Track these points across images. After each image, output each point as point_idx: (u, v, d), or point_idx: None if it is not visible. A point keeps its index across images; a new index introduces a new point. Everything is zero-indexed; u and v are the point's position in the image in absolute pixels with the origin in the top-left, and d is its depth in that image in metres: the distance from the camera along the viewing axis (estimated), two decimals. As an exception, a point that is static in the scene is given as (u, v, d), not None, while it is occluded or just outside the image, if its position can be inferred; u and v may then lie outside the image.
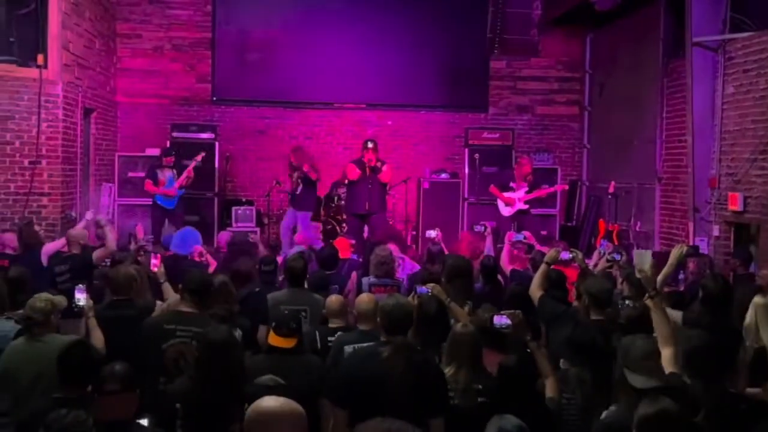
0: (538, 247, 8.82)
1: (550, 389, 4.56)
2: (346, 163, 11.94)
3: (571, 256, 6.43)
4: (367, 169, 11.33)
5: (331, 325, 5.91)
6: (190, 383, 4.30)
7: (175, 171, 11.99)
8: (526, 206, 11.86)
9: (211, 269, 8.16)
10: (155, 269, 6.60)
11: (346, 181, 11.92)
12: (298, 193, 12.02)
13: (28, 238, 8.45)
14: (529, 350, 4.74)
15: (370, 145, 11.52)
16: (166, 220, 11.76)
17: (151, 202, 12.31)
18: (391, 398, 4.06)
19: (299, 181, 11.91)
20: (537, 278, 6.17)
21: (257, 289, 7.08)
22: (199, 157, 12.19)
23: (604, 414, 3.93)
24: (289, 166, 12.32)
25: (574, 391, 4.50)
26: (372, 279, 7.35)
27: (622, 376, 3.82)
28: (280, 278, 7.40)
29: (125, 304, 5.84)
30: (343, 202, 12.71)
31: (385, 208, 12.04)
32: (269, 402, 3.26)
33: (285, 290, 6.72)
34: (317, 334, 5.78)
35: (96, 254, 7.87)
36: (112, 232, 8.34)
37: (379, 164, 11.50)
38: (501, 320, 4.85)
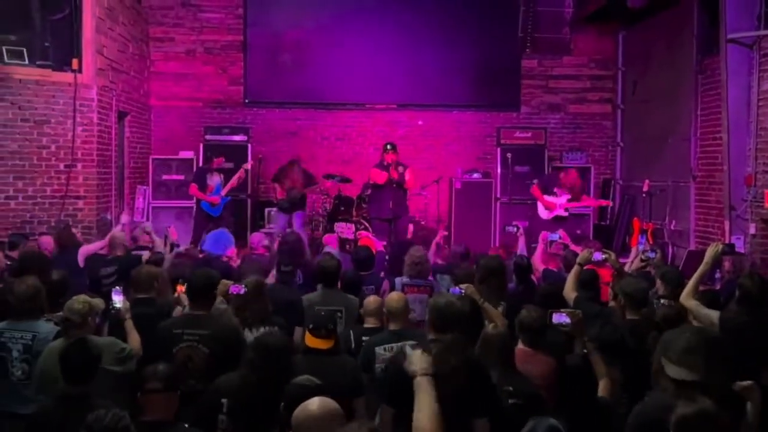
0: (572, 246, 8.78)
1: (602, 390, 4.52)
2: (370, 168, 12.00)
3: (604, 257, 6.39)
4: (392, 170, 11.43)
5: (366, 326, 5.94)
6: (240, 382, 4.33)
7: (223, 176, 12.08)
8: (566, 213, 11.78)
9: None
10: None
11: (371, 184, 12.00)
12: (298, 200, 12.22)
13: (66, 240, 8.56)
14: (585, 350, 4.70)
15: (389, 147, 11.67)
16: (210, 226, 11.75)
17: (187, 206, 12.68)
18: (437, 396, 4.05)
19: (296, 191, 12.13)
20: (571, 279, 6.15)
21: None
22: (248, 165, 12.33)
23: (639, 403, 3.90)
24: (284, 176, 12.38)
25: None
26: (405, 279, 7.40)
27: (660, 367, 3.75)
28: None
29: (146, 302, 5.94)
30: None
31: (407, 212, 12.16)
32: (314, 404, 3.28)
33: (319, 291, 6.75)
34: (352, 334, 5.82)
35: (145, 256, 7.95)
36: (159, 238, 8.47)
37: (401, 168, 11.63)
38: (560, 318, 4.83)
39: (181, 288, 5.72)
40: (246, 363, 4.40)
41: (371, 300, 6.07)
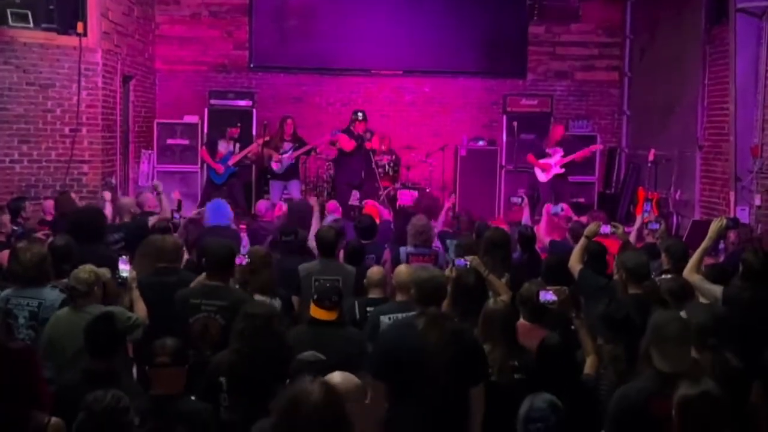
0: (575, 218, 8.80)
1: (589, 367, 4.57)
2: (338, 135, 12.08)
3: (612, 230, 6.38)
4: (366, 143, 11.98)
5: (370, 296, 5.96)
6: (234, 357, 4.36)
7: (238, 145, 12.08)
8: (563, 170, 11.94)
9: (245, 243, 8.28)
10: None
11: (338, 149, 12.17)
12: (293, 162, 12.18)
13: (65, 206, 8.55)
14: (573, 327, 4.74)
15: (360, 116, 12.00)
16: (213, 192, 11.75)
17: (191, 170, 13.06)
18: (428, 369, 4.11)
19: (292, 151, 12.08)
20: (576, 251, 6.15)
21: (277, 257, 7.08)
22: (261, 140, 12.27)
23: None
24: (277, 138, 12.24)
25: (606, 367, 4.50)
26: (409, 248, 7.42)
27: (648, 352, 3.83)
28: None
29: (169, 271, 5.95)
30: (380, 170, 12.69)
31: (376, 178, 12.39)
32: (336, 378, 3.29)
33: (317, 261, 6.73)
34: (356, 304, 5.84)
35: (151, 221, 7.95)
36: (166, 199, 8.45)
37: (368, 135, 12.02)
38: (546, 296, 4.86)
39: None
40: (236, 334, 4.42)
41: (375, 271, 6.10)
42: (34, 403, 3.83)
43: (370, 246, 7.58)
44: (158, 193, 8.54)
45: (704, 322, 4.22)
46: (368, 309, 5.73)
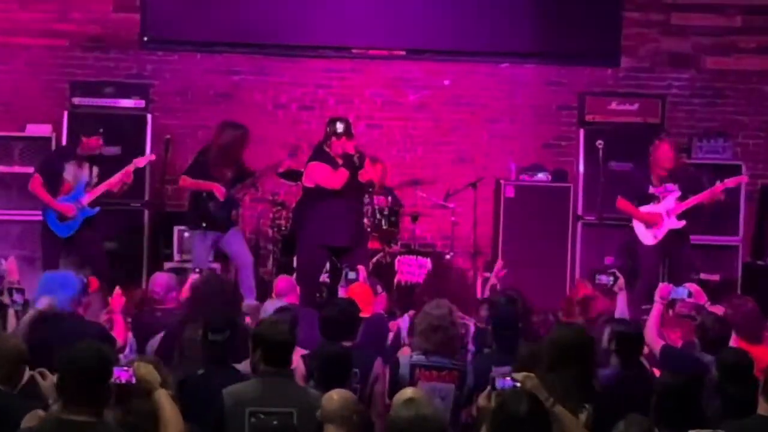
0: (710, 307, 8.73)
1: None
2: (310, 163, 11.94)
3: None
4: (367, 170, 11.97)
5: (326, 438, 5.92)
6: None
7: (96, 170, 12.03)
8: (682, 222, 11.83)
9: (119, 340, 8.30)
10: None
11: (310, 185, 11.95)
12: (234, 202, 12.34)
13: None
14: None
15: (341, 127, 11.79)
16: (60, 254, 11.79)
17: (37, 218, 12.56)
18: None
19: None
20: None
21: (200, 372, 7.01)
22: (145, 159, 12.36)
23: None
24: (219, 158, 12.22)
25: None
26: (416, 356, 7.33)
27: None
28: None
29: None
30: (366, 220, 12.64)
31: (368, 237, 12.51)
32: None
33: (253, 380, 6.63)
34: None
35: None
36: None
37: (358, 159, 11.83)
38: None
39: None
40: None
41: (333, 398, 5.98)
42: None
43: (354, 352, 7.49)
44: None
45: None
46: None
